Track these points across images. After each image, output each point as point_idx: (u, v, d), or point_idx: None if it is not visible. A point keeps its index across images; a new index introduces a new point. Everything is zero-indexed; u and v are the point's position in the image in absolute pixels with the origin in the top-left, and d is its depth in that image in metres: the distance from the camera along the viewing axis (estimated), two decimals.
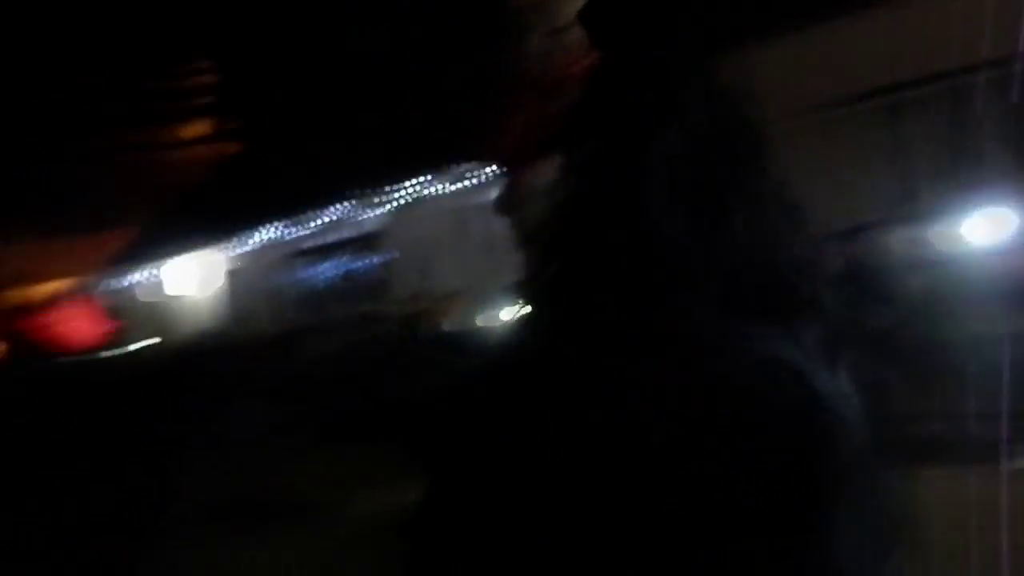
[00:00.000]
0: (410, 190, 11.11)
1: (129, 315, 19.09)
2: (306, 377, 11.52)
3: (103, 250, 20.78)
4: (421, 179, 10.65)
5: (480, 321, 6.50)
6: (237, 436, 9.98)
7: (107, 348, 12.02)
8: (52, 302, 20.72)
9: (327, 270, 14.03)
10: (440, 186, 10.41)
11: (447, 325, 7.98)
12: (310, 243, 13.73)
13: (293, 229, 13.31)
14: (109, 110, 22.28)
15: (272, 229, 13.43)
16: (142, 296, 18.30)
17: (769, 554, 0.57)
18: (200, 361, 11.86)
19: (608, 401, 0.60)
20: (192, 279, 16.72)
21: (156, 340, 14.38)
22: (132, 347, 14.20)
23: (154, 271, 17.18)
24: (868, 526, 0.60)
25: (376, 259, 13.13)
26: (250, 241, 14.11)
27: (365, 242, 13.14)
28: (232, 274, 15.91)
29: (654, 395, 0.59)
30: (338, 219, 12.66)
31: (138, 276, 17.57)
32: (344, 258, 13.71)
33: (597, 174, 0.66)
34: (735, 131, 0.68)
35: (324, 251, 13.85)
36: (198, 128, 24.78)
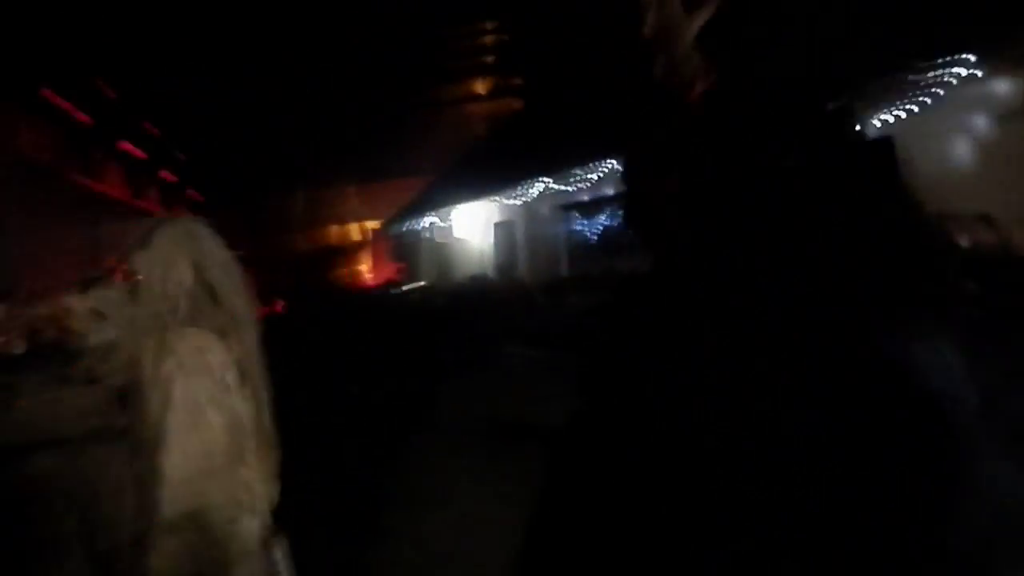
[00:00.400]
0: None
1: (416, 257, 20.99)
2: (567, 326, 11.82)
3: (398, 196, 22.99)
4: None
5: None
6: (499, 370, 10.62)
7: (396, 286, 13.20)
8: (357, 242, 23.45)
9: (596, 224, 14.14)
10: None
11: None
12: (581, 197, 13.90)
13: (566, 183, 13.56)
14: (410, 68, 24.34)
15: (547, 182, 13.77)
16: (428, 240, 19.89)
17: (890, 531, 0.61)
18: (473, 302, 12.64)
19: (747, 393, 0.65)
20: (472, 227, 17.79)
21: (438, 281, 15.58)
22: (417, 286, 15.58)
23: (440, 218, 18.50)
24: (988, 511, 0.60)
25: None
26: (526, 193, 14.62)
27: None
28: (506, 224, 16.71)
29: (781, 385, 0.66)
30: (608, 175, 12.67)
31: (425, 222, 19.05)
32: (612, 213, 13.73)
33: (717, 188, 0.75)
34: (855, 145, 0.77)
35: (594, 206, 13.97)
36: (483, 85, 26.16)
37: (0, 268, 8.32)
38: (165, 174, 19.35)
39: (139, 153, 16.10)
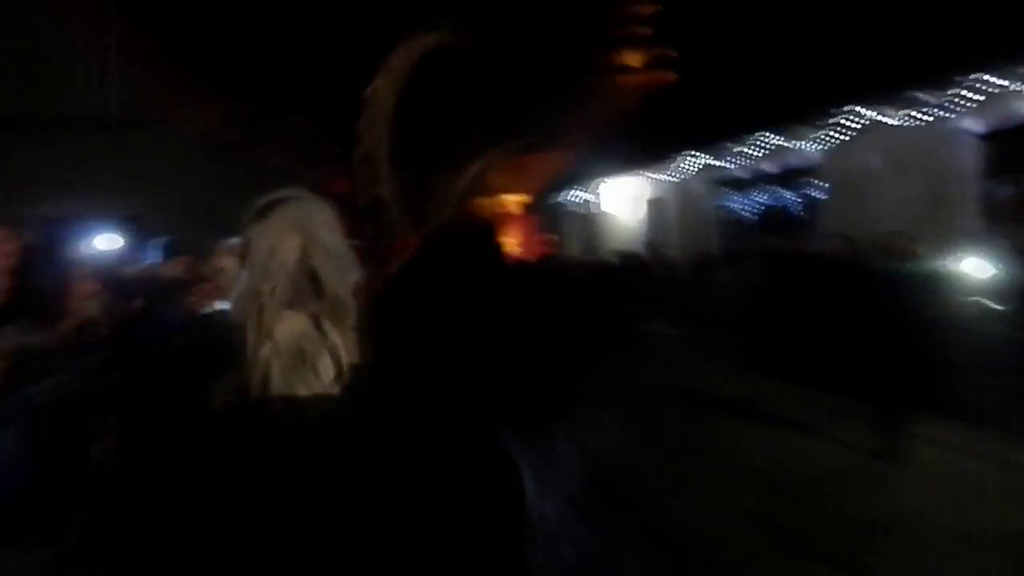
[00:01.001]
0: (849, 122, 10.14)
1: (564, 232, 21.10)
2: (714, 305, 11.53)
3: (547, 170, 23.01)
4: (860, 109, 9.62)
5: (914, 266, 5.79)
6: (643, 347, 10.52)
7: (543, 259, 13.22)
8: (507, 215, 23.91)
9: (751, 202, 13.53)
10: (879, 116, 9.30)
11: (874, 266, 7.30)
12: (738, 173, 13.35)
13: (721, 158, 13.09)
14: (560, 41, 24.13)
15: (702, 156, 13.32)
16: (576, 215, 19.81)
17: None
18: (619, 278, 12.58)
19: None
20: (622, 202, 17.48)
21: (585, 256, 15.64)
22: (564, 259, 15.69)
23: (589, 192, 18.42)
24: None
25: (805, 193, 12.37)
26: (679, 168, 14.27)
27: (795, 176, 12.41)
28: (658, 200, 16.35)
29: None
30: (766, 150, 12.12)
31: (574, 196, 19.08)
32: (769, 190, 13.14)
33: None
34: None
35: (750, 183, 13.40)
36: (635, 57, 25.54)
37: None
38: (330, 145, 20.37)
39: (306, 125, 17.01)
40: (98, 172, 10.29)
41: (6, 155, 9.88)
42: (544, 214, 20.84)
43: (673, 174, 14.57)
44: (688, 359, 9.90)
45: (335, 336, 1.70)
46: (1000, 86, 7.65)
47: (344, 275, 1.77)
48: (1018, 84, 7.56)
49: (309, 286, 1.72)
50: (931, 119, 8.69)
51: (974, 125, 8.68)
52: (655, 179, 15.49)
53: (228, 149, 11.88)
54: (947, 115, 8.52)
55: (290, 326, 1.69)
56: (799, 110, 10.41)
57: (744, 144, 12.16)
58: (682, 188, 14.94)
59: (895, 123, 9.08)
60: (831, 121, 10.02)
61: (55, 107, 10.11)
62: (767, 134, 11.58)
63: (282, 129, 14.33)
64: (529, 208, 21.40)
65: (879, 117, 9.24)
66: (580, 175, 18.58)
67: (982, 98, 7.99)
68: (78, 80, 9.93)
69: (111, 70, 10.19)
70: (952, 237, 8.06)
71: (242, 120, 12.83)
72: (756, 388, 7.80)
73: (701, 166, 13.60)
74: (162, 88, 10.65)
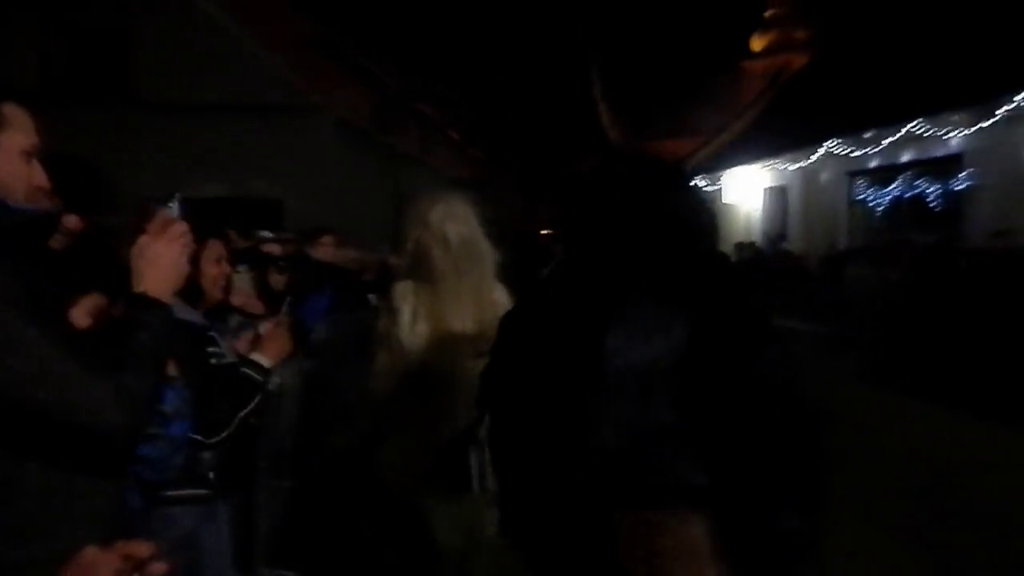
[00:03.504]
0: (1005, 109, 9.22)
1: None
2: (846, 302, 10.12)
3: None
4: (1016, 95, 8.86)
5: None
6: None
7: None
8: None
9: (885, 193, 12.32)
10: None
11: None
12: (869, 163, 12.37)
13: (857, 146, 12.21)
14: (681, 25, 22.36)
15: (835, 144, 12.53)
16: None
17: None
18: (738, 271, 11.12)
19: None
20: (742, 191, 16.36)
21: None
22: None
23: (708, 181, 16.80)
24: None
25: (949, 185, 11.11)
26: (805, 156, 13.41)
27: (939, 165, 11.22)
28: (778, 189, 15.19)
29: None
30: (906, 138, 11.14)
31: (698, 184, 16.22)
32: (910, 181, 11.83)
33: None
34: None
35: (884, 172, 12.26)
36: (760, 41, 22.56)
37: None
38: (452, 133, 20.71)
39: (432, 113, 17.11)
40: (242, 156, 10.45)
41: (165, 139, 10.21)
42: None
43: (799, 162, 13.59)
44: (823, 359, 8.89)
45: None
46: None
47: (462, 263, 1.93)
48: None
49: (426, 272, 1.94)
50: None
51: None
52: (781, 169, 14.52)
53: (364, 136, 11.99)
54: None
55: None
56: (948, 95, 9.66)
57: (884, 131, 11.33)
58: (806, 177, 13.93)
59: None
60: (986, 106, 9.31)
61: (210, 95, 10.33)
62: (912, 121, 10.69)
63: (409, 116, 15.03)
64: None
65: None
66: (704, 165, 15.83)
67: None
68: (235, 70, 10.35)
69: (266, 60, 10.66)
70: None
71: (376, 107, 13.80)
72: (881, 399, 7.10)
73: (828, 154, 12.75)
74: (311, 76, 11.16)
